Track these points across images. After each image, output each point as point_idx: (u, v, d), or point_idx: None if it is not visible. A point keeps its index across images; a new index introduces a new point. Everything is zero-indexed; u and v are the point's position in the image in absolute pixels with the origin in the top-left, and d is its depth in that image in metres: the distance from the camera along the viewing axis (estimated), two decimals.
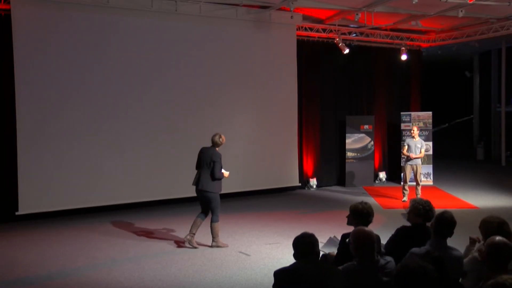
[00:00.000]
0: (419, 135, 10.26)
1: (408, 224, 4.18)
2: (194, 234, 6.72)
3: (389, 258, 3.35)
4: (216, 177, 6.57)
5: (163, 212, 9.15)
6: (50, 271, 5.87)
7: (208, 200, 6.64)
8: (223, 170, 6.73)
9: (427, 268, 2.45)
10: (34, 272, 5.84)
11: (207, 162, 6.63)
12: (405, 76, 13.29)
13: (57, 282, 5.53)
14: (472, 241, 3.84)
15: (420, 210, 4.03)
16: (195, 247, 6.69)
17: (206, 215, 6.78)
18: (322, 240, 6.64)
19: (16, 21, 8.30)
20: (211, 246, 6.72)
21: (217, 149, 6.72)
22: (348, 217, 4.09)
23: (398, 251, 3.61)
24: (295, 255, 3.27)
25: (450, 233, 3.60)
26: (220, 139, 6.75)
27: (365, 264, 3.19)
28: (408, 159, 9.65)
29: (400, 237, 4.01)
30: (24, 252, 6.68)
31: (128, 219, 8.57)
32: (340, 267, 3.31)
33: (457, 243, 3.88)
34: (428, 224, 3.92)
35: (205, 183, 6.60)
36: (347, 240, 3.52)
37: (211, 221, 6.67)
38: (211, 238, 6.79)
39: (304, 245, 3.23)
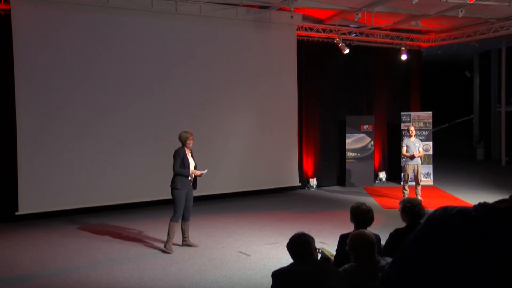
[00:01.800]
0: (418, 135, 10.28)
1: (403, 225, 4.20)
2: (186, 237, 6.79)
3: (389, 259, 3.35)
4: (174, 172, 6.51)
5: (163, 212, 9.11)
6: (50, 271, 5.87)
7: (172, 196, 6.61)
8: (204, 170, 6.66)
9: None
10: (34, 272, 5.85)
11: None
12: (405, 76, 13.29)
13: (57, 282, 5.53)
14: None
15: (408, 208, 4.08)
16: (196, 246, 6.77)
17: (183, 217, 6.68)
18: (322, 240, 6.65)
19: (16, 21, 8.30)
20: (164, 248, 6.60)
21: (185, 148, 6.62)
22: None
23: (394, 254, 3.61)
24: (291, 256, 3.29)
25: None
26: (181, 135, 6.64)
27: (365, 265, 3.19)
28: (410, 159, 9.62)
29: (394, 240, 4.03)
30: (24, 252, 6.69)
31: (128, 219, 8.58)
32: (340, 269, 3.31)
33: None
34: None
35: (171, 180, 6.60)
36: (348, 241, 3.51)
37: (170, 220, 6.59)
38: (210, 238, 6.78)
39: (298, 246, 3.23)
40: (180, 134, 6.66)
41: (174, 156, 6.56)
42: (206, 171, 6.70)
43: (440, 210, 1.58)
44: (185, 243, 6.78)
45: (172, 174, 6.59)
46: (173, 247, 6.82)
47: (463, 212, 1.56)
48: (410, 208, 4.05)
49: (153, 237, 7.41)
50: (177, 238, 7.29)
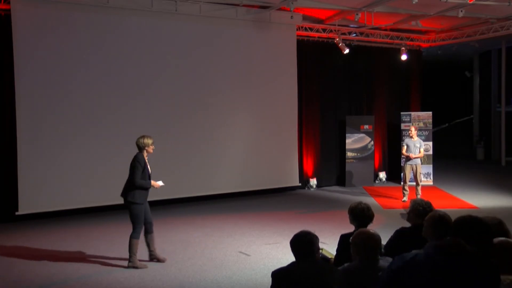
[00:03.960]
0: (418, 135, 10.28)
1: (407, 224, 4.17)
2: (152, 250, 6.14)
3: (389, 259, 3.35)
4: (136, 185, 5.77)
5: (163, 212, 9.13)
6: (50, 271, 5.87)
7: (129, 211, 5.91)
8: (159, 182, 6.00)
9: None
10: (34, 272, 5.84)
11: (130, 168, 5.90)
12: (405, 76, 13.29)
13: (56, 282, 5.53)
14: None
15: (420, 211, 4.00)
16: (163, 260, 6.12)
17: (145, 230, 6.05)
18: (322, 240, 6.65)
19: (16, 21, 8.30)
20: (127, 267, 5.90)
21: (144, 154, 5.90)
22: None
23: (397, 253, 3.61)
24: (294, 254, 3.28)
25: (449, 235, 3.58)
26: (142, 141, 5.87)
27: (366, 264, 3.18)
28: (408, 159, 9.66)
29: (399, 239, 4.00)
30: (24, 252, 6.68)
31: (127, 219, 8.54)
32: (340, 268, 3.31)
33: None
34: None
35: (125, 191, 5.90)
36: (350, 239, 3.51)
37: (130, 236, 5.90)
38: (210, 238, 6.74)
39: (302, 244, 3.23)
40: (142, 140, 5.88)
41: (135, 165, 5.79)
42: (162, 184, 6.06)
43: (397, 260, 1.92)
44: (153, 257, 6.13)
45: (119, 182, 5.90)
46: (173, 247, 6.82)
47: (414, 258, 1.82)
48: (424, 213, 3.96)
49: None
50: (181, 232, 7.30)
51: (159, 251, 6.24)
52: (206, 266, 5.98)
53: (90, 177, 8.93)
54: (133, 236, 5.90)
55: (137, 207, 5.85)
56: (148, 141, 5.90)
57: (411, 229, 4.06)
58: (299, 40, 11.28)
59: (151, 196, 9.40)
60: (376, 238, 3.23)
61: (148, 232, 6.07)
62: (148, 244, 6.11)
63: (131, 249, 5.90)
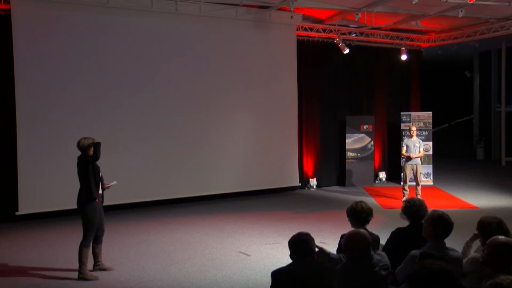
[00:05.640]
0: (418, 135, 10.29)
1: (407, 224, 4.20)
2: (99, 261, 5.81)
3: (380, 252, 3.39)
4: (89, 183, 5.54)
5: (163, 212, 9.14)
6: (50, 272, 5.87)
7: (82, 215, 5.59)
8: (113, 182, 5.96)
9: (443, 266, 2.43)
10: (34, 272, 5.84)
11: (78, 173, 5.66)
12: (405, 76, 13.29)
13: (57, 282, 5.53)
14: (473, 237, 3.82)
15: (405, 209, 4.12)
16: (111, 269, 5.85)
17: (95, 238, 5.72)
18: (321, 240, 6.65)
19: (16, 21, 8.30)
20: (77, 279, 5.53)
21: (90, 154, 5.61)
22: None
23: (395, 252, 3.64)
24: (291, 255, 3.29)
25: (448, 234, 3.59)
26: (86, 142, 5.62)
27: (360, 264, 3.18)
28: (408, 159, 9.65)
29: (395, 239, 4.04)
30: (24, 252, 6.69)
31: (127, 219, 8.58)
32: (337, 267, 3.31)
33: (456, 243, 3.89)
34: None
35: (78, 198, 5.64)
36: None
37: (80, 244, 5.56)
38: (210, 238, 6.70)
39: (299, 245, 3.24)
40: (85, 141, 5.62)
41: (86, 167, 5.57)
42: (115, 182, 6.01)
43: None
44: (98, 267, 5.78)
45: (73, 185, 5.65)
46: (173, 247, 6.82)
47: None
48: (410, 211, 4.05)
49: (153, 237, 7.41)
50: (182, 232, 7.30)
51: (159, 249, 6.21)
52: (206, 266, 5.98)
53: None
54: (84, 245, 5.55)
55: (91, 208, 5.53)
56: (90, 141, 5.65)
57: (406, 229, 4.10)
58: (299, 40, 11.28)
59: (151, 196, 9.49)
60: (366, 239, 3.19)
61: (97, 241, 5.75)
62: (96, 254, 5.78)
63: (81, 258, 5.52)
